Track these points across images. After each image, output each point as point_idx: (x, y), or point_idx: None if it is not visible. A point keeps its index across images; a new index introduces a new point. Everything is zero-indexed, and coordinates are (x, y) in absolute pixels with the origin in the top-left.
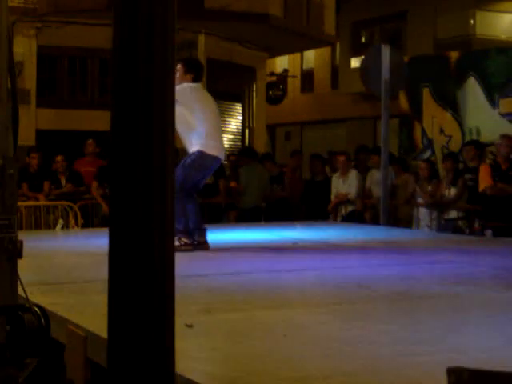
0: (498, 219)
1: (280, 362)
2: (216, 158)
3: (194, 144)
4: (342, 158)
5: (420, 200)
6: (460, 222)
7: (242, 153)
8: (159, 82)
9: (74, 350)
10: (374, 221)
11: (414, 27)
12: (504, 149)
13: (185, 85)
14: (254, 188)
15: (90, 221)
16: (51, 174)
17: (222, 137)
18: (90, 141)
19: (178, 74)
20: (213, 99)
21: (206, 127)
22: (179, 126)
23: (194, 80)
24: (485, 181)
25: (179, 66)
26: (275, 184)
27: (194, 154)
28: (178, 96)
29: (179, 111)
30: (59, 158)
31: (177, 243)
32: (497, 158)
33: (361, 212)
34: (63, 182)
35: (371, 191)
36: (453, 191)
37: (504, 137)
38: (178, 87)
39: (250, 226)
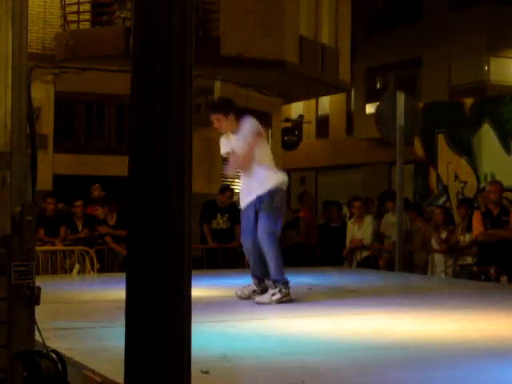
0: (502, 265)
1: None
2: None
3: (267, 180)
4: (357, 204)
5: (435, 246)
6: (475, 268)
7: None
8: (177, 128)
9: None
10: (389, 267)
11: (428, 74)
12: (493, 195)
13: (252, 120)
14: None
15: (106, 265)
16: (67, 218)
17: None
18: (96, 185)
19: (222, 123)
20: None
21: (270, 161)
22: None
23: (239, 114)
24: (476, 228)
25: (216, 116)
26: (290, 229)
27: (275, 193)
28: (252, 133)
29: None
30: (79, 202)
31: (278, 296)
32: (488, 205)
33: (376, 257)
34: (80, 226)
35: (385, 234)
36: (467, 237)
37: (492, 183)
38: (248, 125)
39: None
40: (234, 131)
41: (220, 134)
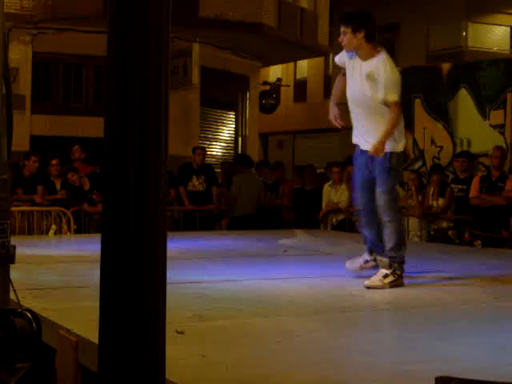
0: (486, 229)
1: (270, 369)
2: None
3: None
4: (336, 169)
5: (409, 210)
6: (450, 232)
7: (237, 160)
8: (153, 89)
9: (65, 355)
10: None
11: (406, 38)
12: (494, 160)
13: (382, 56)
14: (245, 196)
15: (82, 226)
16: (45, 178)
17: None
18: (76, 146)
19: (346, 39)
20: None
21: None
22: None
23: (367, 37)
24: (471, 191)
25: (344, 28)
26: (269, 192)
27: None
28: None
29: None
30: (54, 161)
31: (390, 278)
32: (491, 169)
33: (351, 221)
34: (58, 186)
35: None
36: (440, 202)
37: (496, 148)
38: (375, 60)
39: (241, 234)
40: (363, 57)
41: None
